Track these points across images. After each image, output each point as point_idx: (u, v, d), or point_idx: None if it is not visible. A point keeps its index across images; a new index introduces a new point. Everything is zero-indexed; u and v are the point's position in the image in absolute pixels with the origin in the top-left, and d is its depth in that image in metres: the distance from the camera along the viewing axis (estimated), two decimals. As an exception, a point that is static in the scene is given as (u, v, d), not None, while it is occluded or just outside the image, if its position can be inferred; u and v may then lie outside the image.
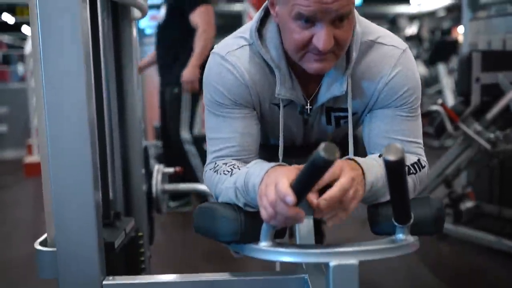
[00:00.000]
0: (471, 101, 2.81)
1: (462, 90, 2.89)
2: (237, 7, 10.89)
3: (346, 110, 1.19)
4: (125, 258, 1.51)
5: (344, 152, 1.11)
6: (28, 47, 5.58)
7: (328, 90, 1.16)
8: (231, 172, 1.11)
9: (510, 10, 3.22)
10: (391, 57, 1.14)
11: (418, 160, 1.17)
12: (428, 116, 2.90)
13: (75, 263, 1.20)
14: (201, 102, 3.53)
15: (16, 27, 10.15)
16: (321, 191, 0.95)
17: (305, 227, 1.22)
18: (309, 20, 1.00)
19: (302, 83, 1.17)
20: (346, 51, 1.10)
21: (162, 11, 3.50)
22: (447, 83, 6.20)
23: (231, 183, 1.08)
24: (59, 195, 1.19)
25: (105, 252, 1.26)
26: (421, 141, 1.21)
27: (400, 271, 2.60)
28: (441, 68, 6.38)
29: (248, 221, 1.05)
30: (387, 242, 1.01)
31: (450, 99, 5.80)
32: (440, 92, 6.50)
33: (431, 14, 12.69)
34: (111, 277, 1.23)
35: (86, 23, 1.18)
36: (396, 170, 0.86)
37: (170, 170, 2.14)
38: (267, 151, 1.30)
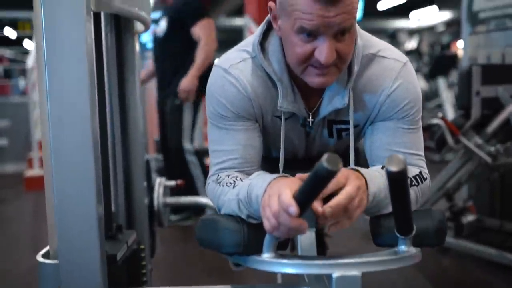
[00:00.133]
0: (471, 114, 2.82)
1: (463, 103, 2.90)
2: (238, 21, 10.98)
3: (348, 122, 1.20)
4: (127, 271, 1.51)
5: (345, 165, 1.12)
6: (30, 61, 5.62)
7: (330, 103, 1.17)
8: (234, 184, 1.11)
9: (509, 25, 3.24)
10: (392, 70, 1.15)
11: (420, 172, 1.17)
12: (428, 130, 2.91)
13: (77, 275, 1.20)
14: (201, 113, 3.54)
15: (18, 42, 10.21)
16: (325, 200, 0.96)
17: (307, 238, 1.22)
18: (311, 34, 1.01)
19: (304, 96, 1.18)
20: (348, 65, 1.12)
21: (162, 25, 3.52)
22: (447, 97, 6.22)
23: (234, 195, 1.09)
24: (62, 208, 1.19)
25: (107, 265, 1.26)
26: (422, 153, 1.21)
27: (400, 284, 2.59)
28: (441, 82, 6.40)
29: (251, 232, 1.05)
30: (389, 253, 1.01)
31: (450, 113, 5.81)
32: (440, 106, 6.52)
33: (431, 29, 12.78)
34: (113, 290, 1.23)
35: (91, 37, 1.20)
36: (398, 181, 0.87)
37: (172, 183, 2.15)
38: (269, 164, 1.30)
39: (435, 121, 2.88)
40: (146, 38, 6.08)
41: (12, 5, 8.59)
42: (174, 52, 3.48)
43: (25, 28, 8.93)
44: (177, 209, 3.64)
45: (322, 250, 1.57)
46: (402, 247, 1.01)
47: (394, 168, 0.83)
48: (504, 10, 3.27)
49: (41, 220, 4.08)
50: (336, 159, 0.79)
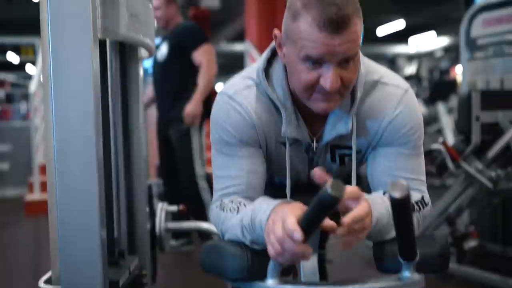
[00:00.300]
0: (471, 139, 2.83)
1: (463, 128, 2.91)
2: (238, 47, 11.08)
3: (350, 147, 1.21)
4: (129, 297, 1.50)
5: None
6: (32, 86, 5.65)
7: (334, 129, 1.18)
8: (238, 210, 1.12)
9: (507, 51, 3.28)
10: (394, 96, 1.17)
11: (422, 197, 1.18)
12: (429, 155, 2.92)
13: (80, 302, 1.19)
14: (204, 136, 3.55)
15: (20, 66, 10.30)
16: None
17: (309, 264, 1.22)
18: (316, 62, 1.03)
19: (308, 122, 1.20)
20: (351, 91, 1.13)
21: (163, 50, 3.56)
22: (447, 122, 6.26)
23: (238, 221, 1.09)
24: (65, 233, 1.19)
25: (110, 291, 1.26)
26: (424, 178, 1.22)
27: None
28: (441, 107, 6.45)
29: (255, 258, 1.06)
30: (393, 279, 1.01)
31: (450, 138, 5.83)
32: (440, 131, 6.55)
33: (429, 54, 12.89)
34: (115, 316, 1.23)
35: (97, 64, 1.22)
36: (402, 207, 0.87)
37: (174, 208, 2.14)
38: (272, 190, 1.31)
39: (436, 146, 2.89)
40: (147, 63, 6.13)
41: (15, 30, 8.70)
42: (175, 77, 3.51)
43: (27, 53, 9.02)
44: (177, 234, 3.62)
45: (324, 276, 1.56)
46: (406, 273, 1.01)
47: (397, 194, 0.84)
48: (502, 36, 3.31)
49: (41, 245, 4.07)
50: (340, 185, 0.80)
